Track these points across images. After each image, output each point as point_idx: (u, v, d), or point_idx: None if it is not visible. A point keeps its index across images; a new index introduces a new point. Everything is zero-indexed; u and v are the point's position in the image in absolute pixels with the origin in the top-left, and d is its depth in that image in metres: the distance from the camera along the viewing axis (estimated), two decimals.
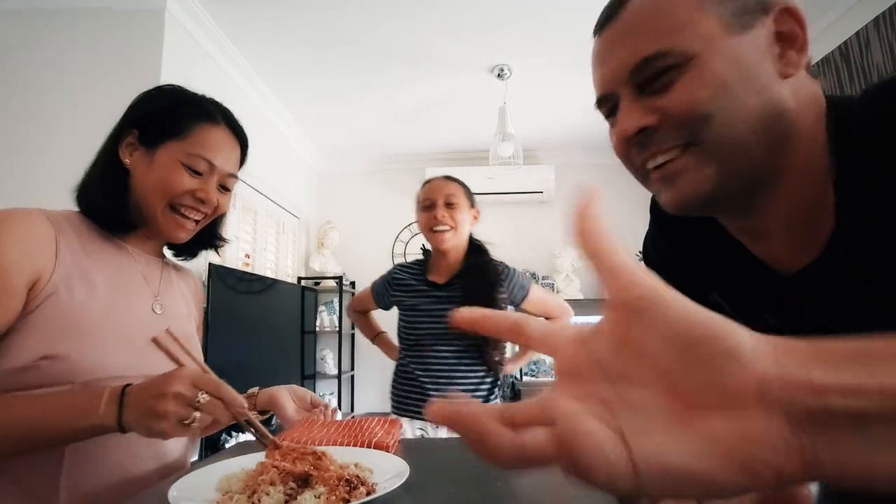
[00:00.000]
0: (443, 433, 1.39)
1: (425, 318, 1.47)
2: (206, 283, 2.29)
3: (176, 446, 0.84)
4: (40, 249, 0.70)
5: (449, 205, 1.46)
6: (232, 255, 2.80)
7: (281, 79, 2.93)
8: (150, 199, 0.78)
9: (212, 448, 2.30)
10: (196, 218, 0.82)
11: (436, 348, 1.45)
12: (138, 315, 0.80)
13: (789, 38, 0.46)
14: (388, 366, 1.69)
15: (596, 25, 0.53)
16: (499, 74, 2.88)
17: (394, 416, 1.05)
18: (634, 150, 0.51)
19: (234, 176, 0.85)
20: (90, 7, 2.12)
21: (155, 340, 0.66)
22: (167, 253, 0.93)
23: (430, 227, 1.46)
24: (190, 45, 2.33)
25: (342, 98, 3.20)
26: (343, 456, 0.70)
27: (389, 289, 1.58)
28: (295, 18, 2.36)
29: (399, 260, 3.97)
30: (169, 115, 0.80)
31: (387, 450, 0.82)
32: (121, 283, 0.79)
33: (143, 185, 0.79)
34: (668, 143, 0.47)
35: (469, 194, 1.52)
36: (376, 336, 1.77)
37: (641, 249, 0.72)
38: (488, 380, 1.47)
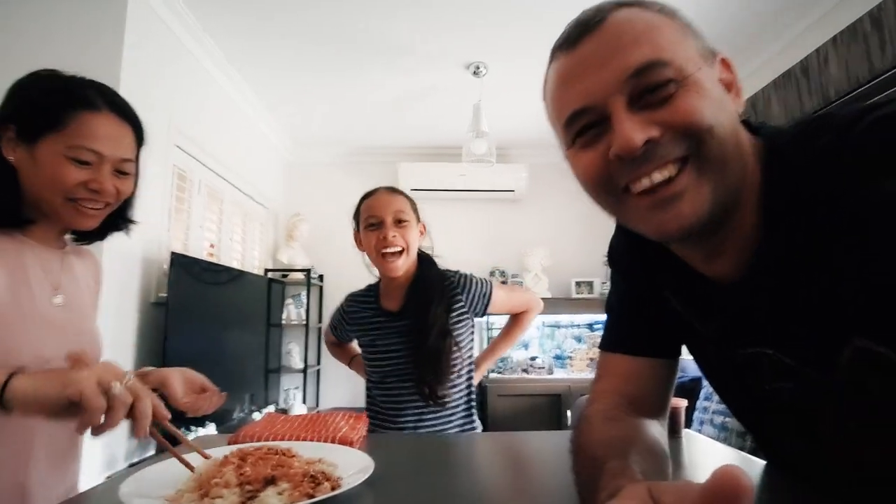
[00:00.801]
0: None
1: (385, 355, 1.31)
2: (167, 273, 2.22)
3: (73, 448, 0.80)
4: None
5: (399, 222, 1.30)
6: (196, 245, 2.72)
7: (250, 63, 2.85)
8: (45, 196, 0.76)
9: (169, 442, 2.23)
10: (97, 207, 0.79)
11: (403, 385, 1.29)
12: (39, 308, 0.78)
13: (727, 84, 0.52)
14: None
15: (566, 40, 0.51)
16: (475, 72, 2.89)
17: (358, 413, 1.03)
18: (625, 169, 0.48)
19: (130, 160, 0.82)
20: None
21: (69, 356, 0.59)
22: (69, 240, 0.90)
23: (379, 250, 1.29)
24: (157, 27, 2.23)
25: (314, 87, 3.14)
26: (307, 451, 0.69)
27: (345, 324, 1.45)
28: (269, 6, 2.30)
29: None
30: (44, 108, 0.75)
31: (351, 445, 0.82)
32: (19, 277, 0.76)
33: (33, 182, 0.76)
34: (669, 156, 0.47)
35: (416, 208, 1.38)
36: (352, 360, 1.62)
37: (607, 252, 0.75)
38: (462, 399, 1.34)
